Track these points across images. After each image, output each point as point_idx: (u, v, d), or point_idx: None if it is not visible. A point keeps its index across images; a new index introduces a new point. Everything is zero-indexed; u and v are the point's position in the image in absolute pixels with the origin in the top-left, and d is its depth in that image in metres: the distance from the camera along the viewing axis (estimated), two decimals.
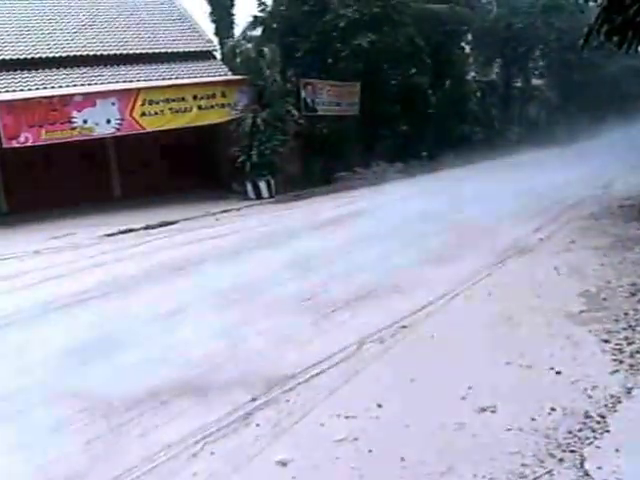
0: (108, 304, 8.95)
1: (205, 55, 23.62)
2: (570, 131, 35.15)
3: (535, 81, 42.25)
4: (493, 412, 4.76)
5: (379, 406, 4.97)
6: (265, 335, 6.95)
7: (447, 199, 16.25)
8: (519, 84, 40.62)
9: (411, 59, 27.29)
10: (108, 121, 18.95)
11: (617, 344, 5.88)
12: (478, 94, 34.99)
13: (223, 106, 20.89)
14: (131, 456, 4.50)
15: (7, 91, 18.65)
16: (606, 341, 5.98)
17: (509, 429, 4.47)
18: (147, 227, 16.51)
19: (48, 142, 18.21)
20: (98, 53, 21.49)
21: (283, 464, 4.26)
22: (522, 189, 16.67)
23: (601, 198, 15.03)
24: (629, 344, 5.85)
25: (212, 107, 20.67)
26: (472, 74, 36.67)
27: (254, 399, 5.28)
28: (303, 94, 23.78)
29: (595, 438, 4.26)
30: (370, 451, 4.34)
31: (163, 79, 21.29)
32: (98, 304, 8.98)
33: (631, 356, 5.58)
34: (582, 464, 3.95)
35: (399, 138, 27.24)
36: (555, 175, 19.76)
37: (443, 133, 29.20)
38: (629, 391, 4.90)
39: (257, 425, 4.84)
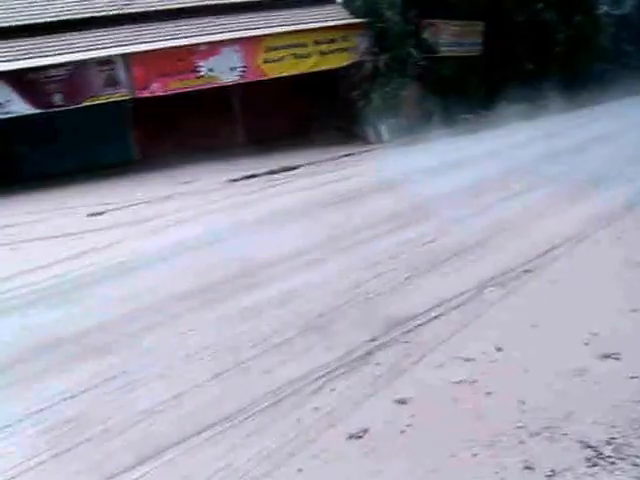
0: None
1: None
2: None
3: None
4: (617, 359, 4.64)
5: (498, 350, 4.97)
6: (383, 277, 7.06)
7: (578, 140, 15.67)
8: None
9: None
10: (232, 69, 19.26)
11: None
12: (611, 29, 32.90)
13: (344, 50, 20.66)
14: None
15: (137, 43, 19.23)
16: None
17: (633, 377, 4.36)
18: (271, 172, 16.81)
19: (176, 91, 18.74)
20: (221, 2, 21.66)
21: (402, 402, 4.36)
22: None
23: None
24: None
25: (333, 52, 20.50)
26: (604, 8, 34.34)
27: (373, 339, 5.39)
28: (424, 35, 23.03)
29: None
30: (488, 393, 4.36)
31: (284, 25, 21.14)
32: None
33: None
34: None
35: (525, 78, 26.08)
36: None
37: (571, 72, 27.74)
38: None
39: (377, 364, 4.95)
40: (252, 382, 4.90)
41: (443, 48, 23.66)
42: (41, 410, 4.73)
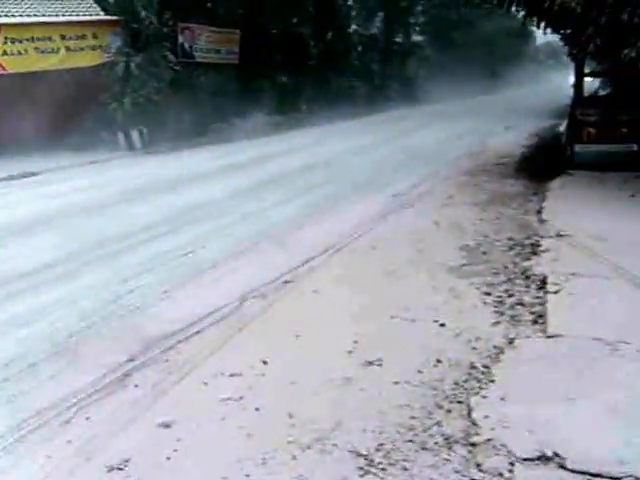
0: None
1: None
2: (447, 90, 35.95)
3: (415, 37, 42.86)
4: (379, 366, 4.70)
5: (264, 363, 4.82)
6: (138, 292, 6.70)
7: (327, 153, 16.37)
8: (400, 40, 40.98)
9: (293, 8, 26.88)
10: None
11: (498, 296, 6.00)
12: (359, 48, 35.04)
13: (94, 48, 19.78)
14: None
15: None
16: (487, 293, 6.09)
17: (396, 382, 4.42)
18: (10, 177, 15.49)
19: None
20: None
21: (166, 426, 4.04)
22: (398, 146, 17.05)
23: (477, 156, 15.47)
24: (509, 296, 5.99)
25: (82, 49, 19.52)
26: (354, 27, 36.56)
27: (130, 359, 5.00)
28: (180, 39, 22.76)
29: (481, 388, 4.28)
30: (257, 409, 4.18)
31: (27, 16, 19.56)
32: None
33: (511, 308, 5.70)
34: (469, 414, 3.96)
35: (278, 90, 26.86)
36: (432, 133, 20.19)
37: (323, 87, 29.12)
38: (511, 341, 4.98)
39: (135, 386, 4.58)
40: None
41: (199, 54, 23.55)
42: None
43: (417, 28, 43.38)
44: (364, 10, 39.29)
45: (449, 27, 40.33)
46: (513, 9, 13.68)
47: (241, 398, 4.35)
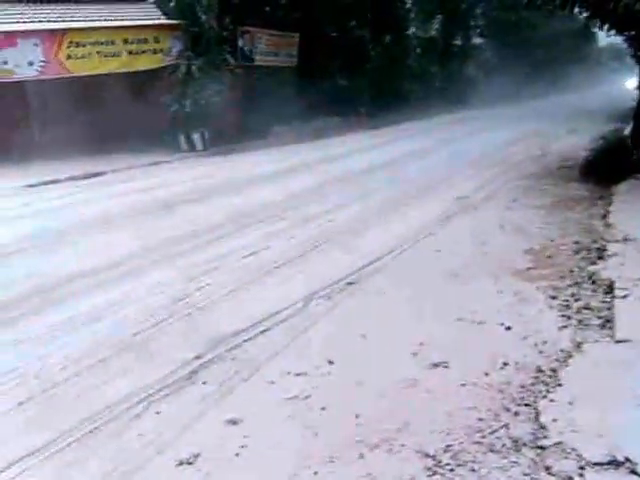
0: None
1: None
2: (508, 92, 35.54)
3: (475, 40, 42.41)
4: (446, 367, 4.68)
5: (330, 363, 4.85)
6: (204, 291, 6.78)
7: (387, 155, 16.38)
8: (459, 42, 40.64)
9: (352, 11, 26.93)
10: (30, 63, 17.90)
11: (564, 300, 5.89)
12: (418, 50, 34.87)
13: (155, 52, 20.14)
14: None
15: None
16: (553, 297, 5.99)
17: (463, 384, 4.40)
18: (73, 178, 15.89)
19: None
20: None
21: (233, 423, 4.10)
22: (460, 149, 16.91)
23: (540, 159, 15.27)
24: (576, 300, 5.87)
25: (144, 52, 19.90)
26: (412, 30, 36.42)
27: (198, 357, 5.09)
28: (240, 43, 23.01)
29: (548, 392, 4.22)
30: (323, 408, 4.21)
31: (91, 20, 20.04)
32: None
33: (578, 312, 5.59)
34: (537, 417, 3.92)
35: (337, 92, 26.93)
36: (494, 135, 20.00)
37: (382, 89, 29.05)
38: (579, 346, 4.89)
39: (203, 383, 4.66)
40: (63, 410, 4.42)
41: (258, 57, 23.78)
42: None
43: (477, 30, 42.93)
44: (422, 13, 39.00)
45: (509, 29, 39.79)
46: (576, 10, 13.44)
47: (307, 397, 4.38)
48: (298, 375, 4.70)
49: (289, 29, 24.92)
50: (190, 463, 3.71)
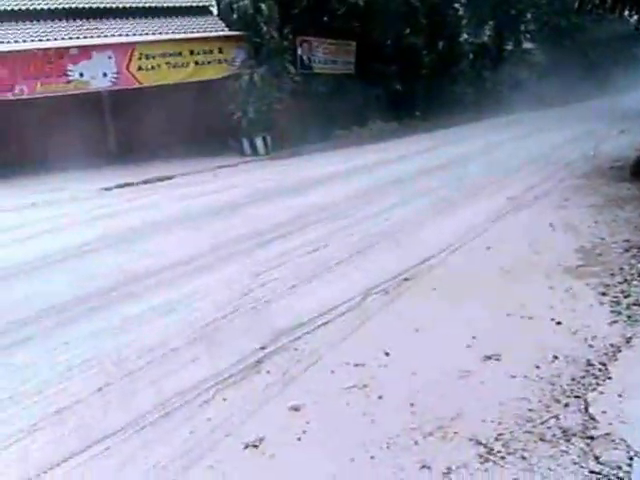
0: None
1: (202, 10, 23.37)
2: (559, 95, 35.17)
3: (526, 44, 42.00)
4: (498, 360, 4.86)
5: (386, 354, 5.08)
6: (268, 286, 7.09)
7: (442, 157, 16.54)
8: (510, 47, 40.38)
9: (406, 19, 27.19)
10: (104, 75, 18.77)
11: (614, 297, 6.00)
12: (470, 56, 34.85)
13: (220, 62, 20.86)
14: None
15: (2, 42, 18.28)
16: (603, 294, 6.11)
17: (514, 376, 4.57)
18: (146, 181, 16.49)
19: (43, 95, 17.97)
20: (94, 6, 21.11)
21: (296, 409, 4.36)
22: (511, 150, 16.98)
23: (592, 159, 15.22)
24: (626, 297, 5.98)
25: (209, 62, 20.66)
26: (465, 36, 36.37)
27: (262, 347, 5.37)
28: (299, 51, 23.79)
29: (598, 384, 4.36)
30: (380, 397, 4.44)
31: (159, 33, 21.00)
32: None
33: (628, 308, 5.70)
34: (587, 409, 4.06)
35: (393, 98, 27.18)
36: (545, 137, 19.91)
37: (435, 94, 29.20)
38: (628, 341, 5.01)
39: (267, 372, 4.93)
40: (138, 394, 4.74)
41: (317, 65, 24.37)
42: None
43: (527, 35, 42.54)
44: (475, 19, 38.81)
45: (559, 33, 39.33)
46: (626, 13, 13.33)
47: (365, 386, 4.60)
48: (356, 366, 4.93)
49: (346, 38, 25.34)
50: (255, 446, 3.97)
